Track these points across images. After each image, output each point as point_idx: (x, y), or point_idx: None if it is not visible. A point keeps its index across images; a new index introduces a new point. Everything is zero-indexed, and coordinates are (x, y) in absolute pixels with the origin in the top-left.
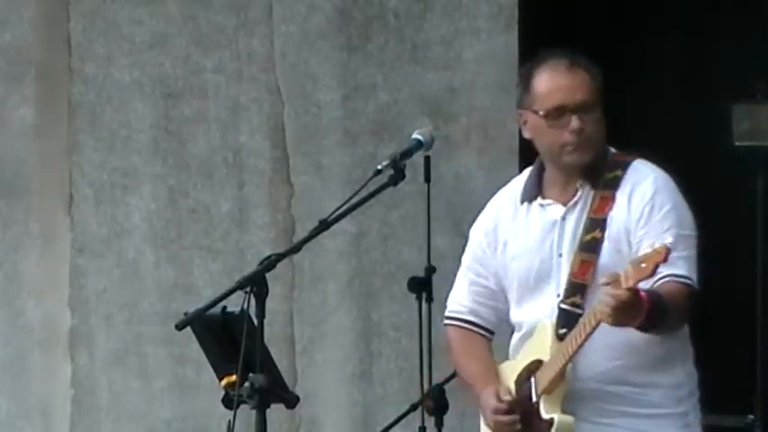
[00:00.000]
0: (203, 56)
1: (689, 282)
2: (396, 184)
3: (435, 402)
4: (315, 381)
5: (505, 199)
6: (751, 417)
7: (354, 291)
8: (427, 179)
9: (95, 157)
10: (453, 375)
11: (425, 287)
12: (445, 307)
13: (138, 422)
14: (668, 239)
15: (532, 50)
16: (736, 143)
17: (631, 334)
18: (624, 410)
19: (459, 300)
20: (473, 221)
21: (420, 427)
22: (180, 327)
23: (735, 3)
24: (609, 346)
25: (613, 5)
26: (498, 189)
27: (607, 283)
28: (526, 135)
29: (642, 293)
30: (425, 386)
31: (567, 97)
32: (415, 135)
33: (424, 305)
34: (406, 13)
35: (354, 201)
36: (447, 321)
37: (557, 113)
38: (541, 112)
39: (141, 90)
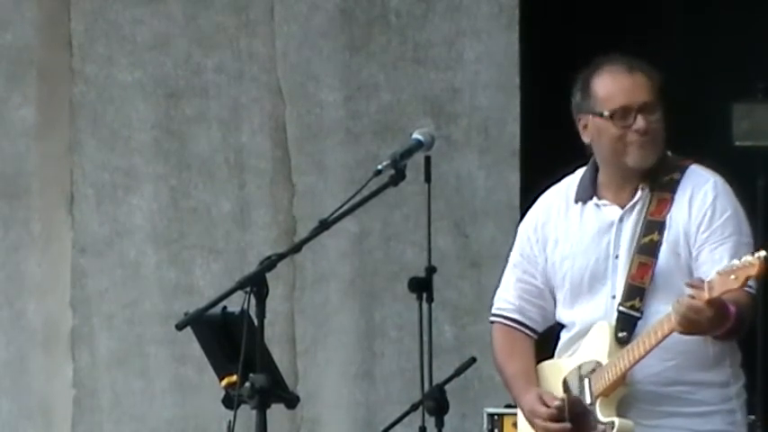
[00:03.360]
0: (204, 56)
1: (753, 291)
2: (396, 184)
3: (436, 402)
4: (316, 381)
5: (556, 197)
6: (752, 417)
7: (356, 291)
8: (428, 179)
9: (97, 157)
10: (454, 375)
11: (426, 287)
12: (446, 307)
13: (139, 422)
14: (729, 247)
15: (533, 51)
16: (736, 143)
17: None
18: (672, 411)
19: (506, 297)
20: (474, 222)
21: (420, 427)
22: (180, 327)
23: (735, 2)
24: (662, 346)
25: (613, 5)
26: (499, 189)
27: (690, 286)
28: (585, 139)
29: (731, 308)
30: (426, 386)
31: (631, 98)
32: (416, 135)
33: (425, 305)
34: (407, 13)
35: (355, 201)
36: (492, 318)
37: (622, 113)
38: (606, 113)
39: (142, 90)
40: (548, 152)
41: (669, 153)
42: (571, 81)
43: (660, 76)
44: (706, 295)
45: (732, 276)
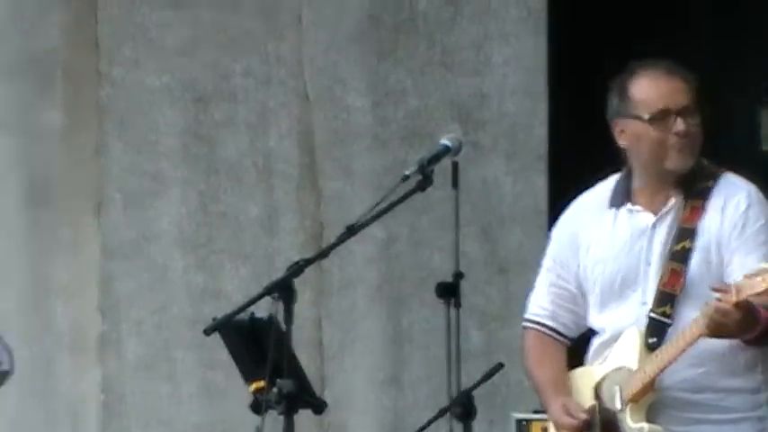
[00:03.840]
0: (233, 60)
1: None
2: (423, 189)
3: (463, 408)
4: (344, 386)
5: (590, 202)
6: None
7: (383, 296)
8: (455, 185)
9: (124, 161)
10: (482, 381)
11: (453, 293)
12: (473, 313)
13: (167, 427)
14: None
15: (561, 55)
16: (764, 148)
17: (715, 341)
18: (700, 418)
19: (540, 302)
20: (501, 227)
21: None
22: (208, 332)
23: (764, 5)
24: (692, 353)
25: (641, 9)
26: (526, 195)
27: (716, 290)
28: (622, 144)
29: (762, 312)
30: (453, 392)
31: (670, 101)
32: (443, 141)
33: (453, 311)
34: (435, 17)
35: (382, 206)
36: (526, 324)
37: (662, 116)
38: (646, 116)
39: (170, 94)
40: (575, 157)
41: (704, 161)
42: (599, 85)
43: (697, 80)
44: (734, 298)
45: (759, 278)
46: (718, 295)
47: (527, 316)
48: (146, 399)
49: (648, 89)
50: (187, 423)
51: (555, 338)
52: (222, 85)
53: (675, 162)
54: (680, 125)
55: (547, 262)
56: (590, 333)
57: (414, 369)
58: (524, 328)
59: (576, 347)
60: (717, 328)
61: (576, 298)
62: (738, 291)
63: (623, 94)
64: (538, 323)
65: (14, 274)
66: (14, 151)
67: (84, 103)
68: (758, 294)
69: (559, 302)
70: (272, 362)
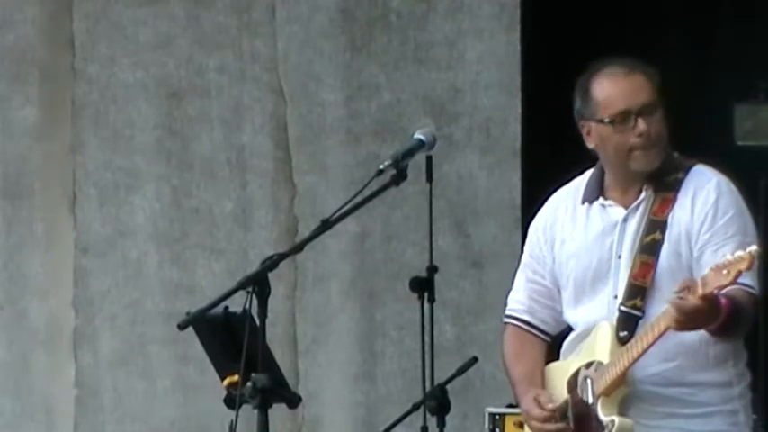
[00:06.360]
0: (206, 56)
1: (754, 291)
2: (398, 184)
3: (437, 402)
4: (318, 381)
5: (564, 197)
6: (754, 416)
7: (357, 291)
8: (429, 179)
9: (99, 157)
10: (456, 375)
11: (427, 287)
12: (447, 307)
13: (142, 422)
14: (734, 248)
15: (534, 50)
16: (739, 143)
17: (686, 335)
18: (672, 412)
19: (518, 298)
20: (475, 221)
21: (422, 427)
22: (182, 326)
23: (737, 2)
24: (662, 347)
25: (615, 5)
26: (500, 189)
27: (681, 289)
28: (590, 145)
29: (723, 301)
30: (427, 386)
31: (630, 101)
32: (417, 135)
33: (426, 305)
34: (408, 13)
35: (356, 201)
36: (505, 320)
37: (622, 118)
38: (607, 119)
39: (145, 90)
40: (549, 152)
41: (675, 154)
42: (573, 80)
43: (658, 74)
44: (700, 291)
45: (724, 271)
46: (681, 294)
47: (506, 311)
48: (120, 394)
49: (608, 90)
50: (162, 418)
51: (533, 334)
52: (196, 81)
53: (640, 163)
54: (641, 126)
55: (524, 258)
56: (569, 329)
57: (388, 363)
58: (504, 323)
59: (558, 343)
60: (684, 319)
61: (553, 293)
62: (705, 284)
63: (585, 95)
64: (516, 318)
65: None
66: None
67: (60, 99)
68: (723, 286)
69: (536, 298)
70: (247, 356)
